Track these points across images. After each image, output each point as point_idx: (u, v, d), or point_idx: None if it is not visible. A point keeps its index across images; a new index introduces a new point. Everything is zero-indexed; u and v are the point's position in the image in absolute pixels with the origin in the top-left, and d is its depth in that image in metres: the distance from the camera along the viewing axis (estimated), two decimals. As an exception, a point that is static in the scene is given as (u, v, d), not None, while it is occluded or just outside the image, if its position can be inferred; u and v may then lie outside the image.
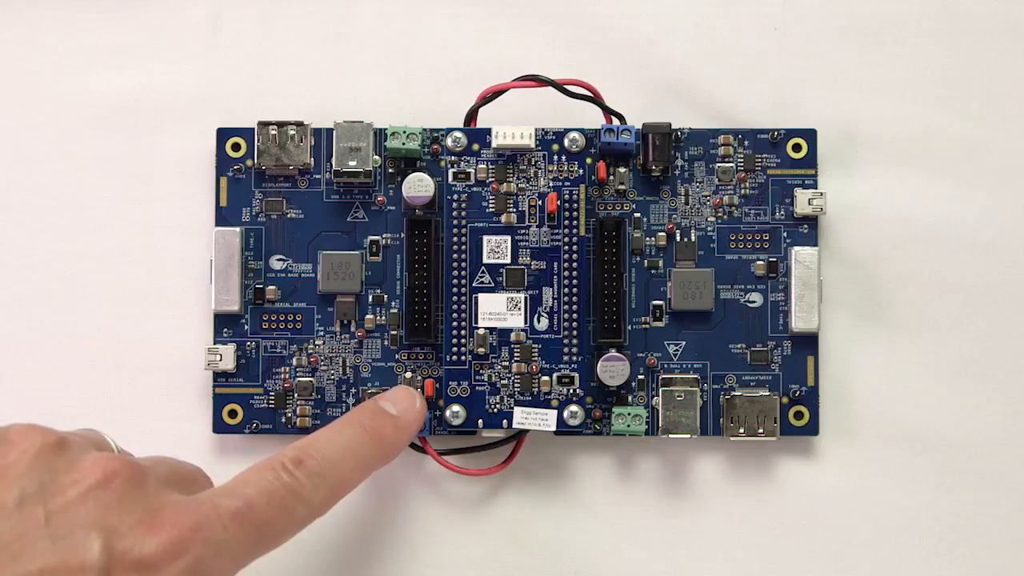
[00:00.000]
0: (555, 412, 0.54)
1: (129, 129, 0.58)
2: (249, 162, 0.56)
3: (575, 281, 0.54)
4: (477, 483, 0.56)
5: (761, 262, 0.56)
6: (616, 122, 0.55)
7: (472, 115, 0.55)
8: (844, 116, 0.57)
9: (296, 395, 0.55)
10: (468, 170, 0.55)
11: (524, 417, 0.54)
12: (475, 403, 0.54)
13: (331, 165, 0.55)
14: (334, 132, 0.55)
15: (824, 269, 0.56)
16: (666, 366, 0.55)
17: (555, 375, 0.54)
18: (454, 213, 0.54)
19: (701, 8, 0.57)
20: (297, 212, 0.56)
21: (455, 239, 0.54)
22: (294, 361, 0.56)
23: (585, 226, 0.54)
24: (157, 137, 0.57)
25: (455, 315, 0.54)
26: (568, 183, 0.54)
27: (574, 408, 0.54)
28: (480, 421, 0.54)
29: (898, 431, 0.56)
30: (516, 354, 0.54)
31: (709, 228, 0.56)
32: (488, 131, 0.54)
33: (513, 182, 0.54)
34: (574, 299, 0.54)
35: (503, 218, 0.54)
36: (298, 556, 0.55)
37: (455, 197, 0.54)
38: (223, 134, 0.56)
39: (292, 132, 0.55)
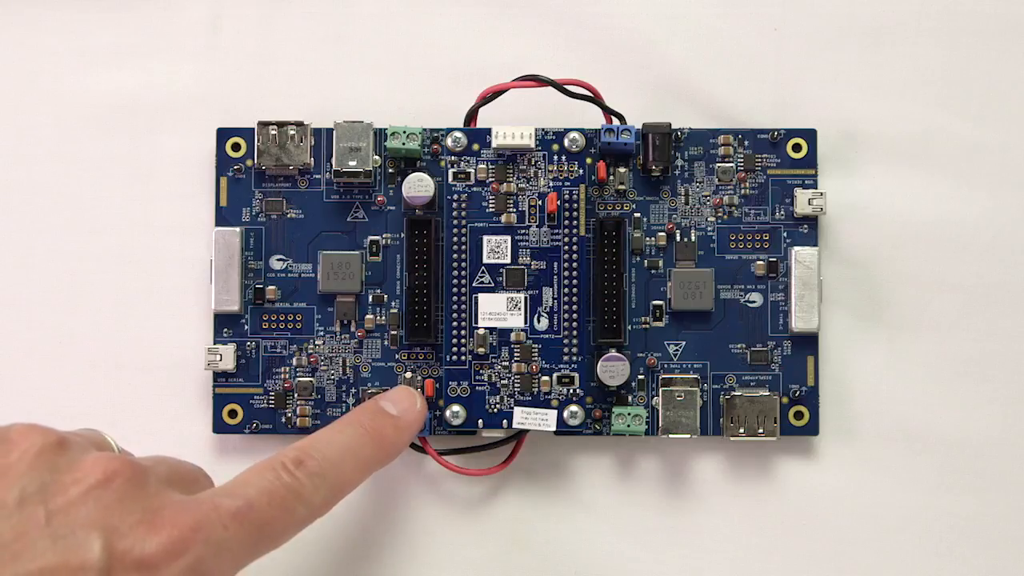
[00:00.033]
0: (555, 412, 0.54)
1: (129, 129, 0.58)
2: (249, 162, 0.56)
3: (575, 281, 0.54)
4: (477, 483, 0.56)
5: (761, 262, 0.56)
6: (616, 122, 0.55)
7: (472, 115, 0.55)
8: (844, 116, 0.57)
9: (296, 395, 0.55)
10: (468, 170, 0.55)
11: (524, 417, 0.54)
12: (475, 403, 0.54)
13: (331, 165, 0.55)
14: (334, 132, 0.55)
15: (824, 269, 0.56)
16: (666, 366, 0.55)
17: (555, 375, 0.54)
18: (454, 213, 0.54)
19: (701, 8, 0.57)
20: (297, 212, 0.56)
21: (455, 239, 0.54)
22: (294, 361, 0.56)
23: (585, 226, 0.54)
24: (157, 137, 0.57)
25: (455, 315, 0.54)
26: (568, 183, 0.54)
27: (574, 408, 0.54)
28: (480, 421, 0.54)
29: (898, 431, 0.56)
30: (516, 354, 0.54)
31: (709, 228, 0.56)
32: (488, 131, 0.54)
33: (513, 182, 0.54)
34: (574, 299, 0.54)
35: (503, 218, 0.54)
36: (298, 556, 0.55)
37: (455, 197, 0.54)
38: (223, 134, 0.56)
39: (292, 132, 0.55)
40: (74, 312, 0.57)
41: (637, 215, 0.56)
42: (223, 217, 0.56)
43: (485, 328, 0.54)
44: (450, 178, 0.54)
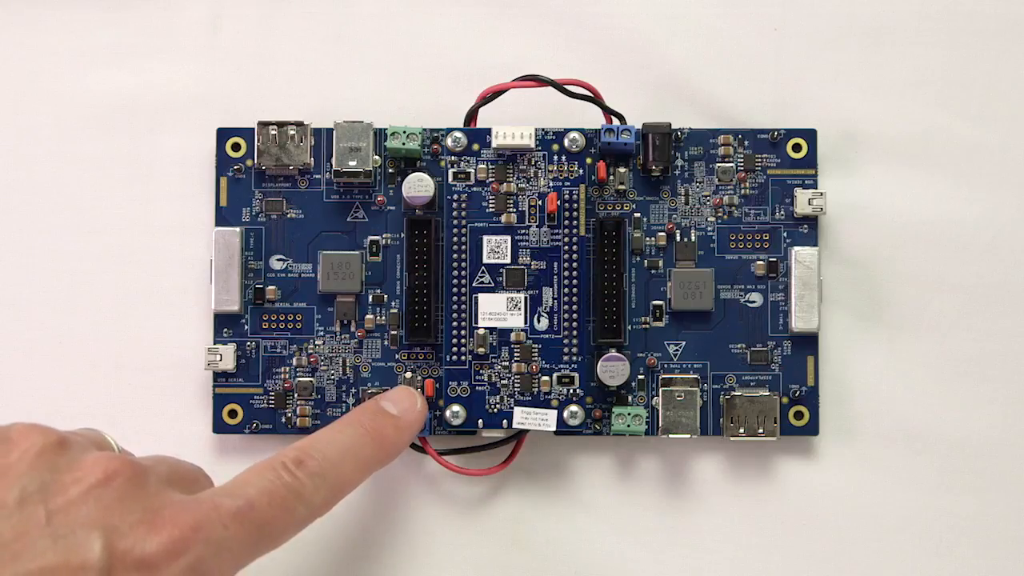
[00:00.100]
0: (555, 412, 0.54)
1: (129, 129, 0.58)
2: (249, 162, 0.56)
3: (575, 281, 0.54)
4: (477, 483, 0.56)
5: (761, 262, 0.56)
6: (616, 122, 0.55)
7: (472, 115, 0.55)
8: (844, 116, 0.57)
9: (296, 395, 0.55)
10: (468, 170, 0.55)
11: (524, 417, 0.54)
12: (475, 403, 0.54)
13: (331, 165, 0.55)
14: (334, 132, 0.55)
15: (824, 269, 0.56)
16: (666, 366, 0.55)
17: (555, 375, 0.54)
18: (454, 213, 0.54)
19: (701, 8, 0.57)
20: (297, 212, 0.56)
21: (455, 239, 0.54)
22: (294, 361, 0.56)
23: (585, 226, 0.54)
24: (157, 137, 0.57)
25: (455, 315, 0.54)
26: (568, 183, 0.54)
27: (574, 408, 0.54)
28: (480, 421, 0.54)
29: (898, 431, 0.56)
30: (516, 354, 0.54)
31: (709, 228, 0.56)
32: (488, 131, 0.54)
33: (513, 182, 0.54)
34: (574, 299, 0.54)
35: (503, 218, 0.54)
36: (298, 556, 0.55)
37: (455, 197, 0.54)
38: (223, 134, 0.56)
39: (292, 132, 0.55)
40: (74, 312, 0.57)
41: (637, 215, 0.56)
42: (223, 217, 0.56)
43: (485, 328, 0.54)
44: (450, 178, 0.54)
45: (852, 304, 0.56)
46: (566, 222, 0.54)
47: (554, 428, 0.54)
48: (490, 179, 0.54)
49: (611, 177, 0.55)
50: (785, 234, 0.56)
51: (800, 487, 0.56)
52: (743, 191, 0.56)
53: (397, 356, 0.55)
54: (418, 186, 0.54)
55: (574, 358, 0.54)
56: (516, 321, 0.54)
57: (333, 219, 0.56)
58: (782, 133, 0.56)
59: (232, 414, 0.56)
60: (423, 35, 0.58)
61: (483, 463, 0.55)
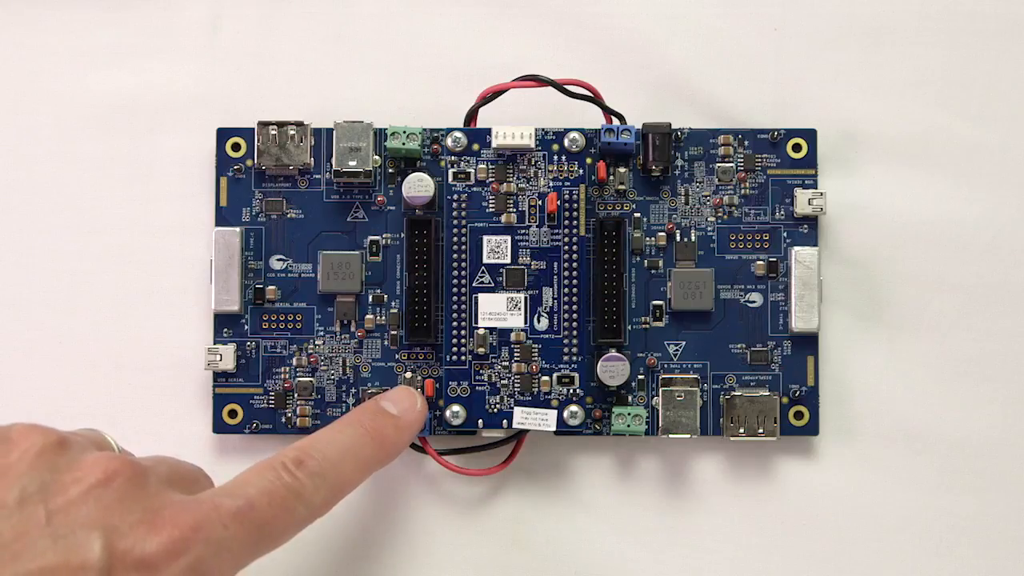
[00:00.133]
0: (555, 412, 0.54)
1: (129, 129, 0.58)
2: (249, 162, 0.56)
3: (575, 281, 0.54)
4: (477, 483, 0.56)
5: (761, 262, 0.56)
6: (616, 122, 0.55)
7: (472, 115, 0.55)
8: (844, 116, 0.57)
9: (296, 395, 0.55)
10: (468, 170, 0.55)
11: (524, 417, 0.54)
12: (475, 403, 0.54)
13: (331, 165, 0.55)
14: (334, 132, 0.55)
15: (824, 269, 0.56)
16: (666, 366, 0.55)
17: (555, 375, 0.54)
18: (454, 213, 0.54)
19: (701, 8, 0.57)
20: (297, 212, 0.56)
21: (455, 239, 0.54)
22: (294, 361, 0.56)
23: (585, 226, 0.54)
24: (157, 137, 0.57)
25: (455, 315, 0.54)
26: (568, 183, 0.54)
27: (574, 408, 0.54)
28: (480, 421, 0.54)
29: (898, 431, 0.56)
30: (516, 354, 0.54)
31: (709, 228, 0.56)
32: (488, 131, 0.54)
33: (513, 182, 0.54)
34: (574, 299, 0.54)
35: (503, 218, 0.54)
36: (298, 556, 0.55)
37: (455, 197, 0.54)
38: (223, 134, 0.56)
39: (292, 132, 0.55)
40: (74, 312, 0.57)
41: (637, 215, 0.56)
42: (223, 217, 0.56)
43: (485, 328, 0.54)
44: (450, 178, 0.54)
45: (852, 304, 0.56)
46: (566, 222, 0.54)
47: (554, 428, 0.54)
48: (490, 179, 0.54)
49: (611, 177, 0.55)
50: (785, 234, 0.56)
51: (800, 487, 0.56)
52: (743, 191, 0.56)
53: (397, 356, 0.55)
54: (418, 186, 0.54)
55: (574, 358, 0.54)
56: (516, 321, 0.54)
57: (333, 219, 0.56)
58: (782, 133, 0.56)
59: (232, 414, 0.56)
60: (423, 35, 0.58)
61: (483, 463, 0.55)
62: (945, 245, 0.56)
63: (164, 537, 0.38)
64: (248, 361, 0.56)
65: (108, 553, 0.37)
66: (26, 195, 0.57)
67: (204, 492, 0.42)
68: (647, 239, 0.56)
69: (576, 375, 0.54)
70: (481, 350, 0.54)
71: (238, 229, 0.55)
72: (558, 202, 0.54)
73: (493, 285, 0.54)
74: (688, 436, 0.54)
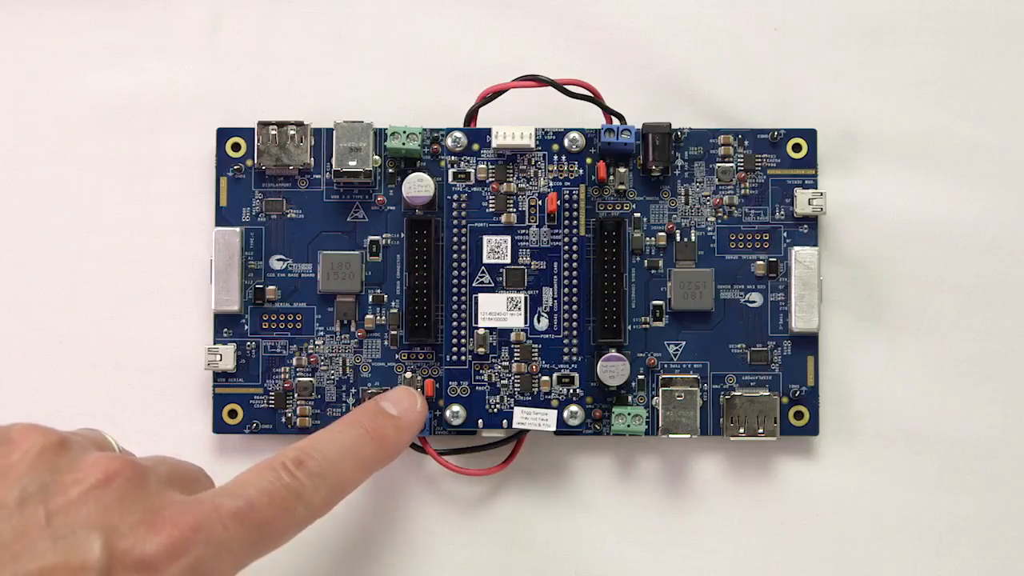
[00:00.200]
0: (555, 412, 0.54)
1: (129, 129, 0.58)
2: (249, 162, 0.56)
3: (575, 281, 0.54)
4: (477, 483, 0.56)
5: (761, 262, 0.56)
6: (616, 122, 0.55)
7: (472, 115, 0.55)
8: (844, 116, 0.57)
9: (296, 395, 0.55)
10: (468, 170, 0.55)
11: (524, 417, 0.54)
12: (475, 403, 0.54)
13: (331, 165, 0.55)
14: (334, 132, 0.55)
15: (824, 269, 0.56)
16: (666, 366, 0.55)
17: (555, 375, 0.54)
18: (454, 213, 0.54)
19: (701, 8, 0.57)
20: (297, 212, 0.56)
21: (455, 239, 0.54)
22: (294, 361, 0.56)
23: (585, 226, 0.54)
24: (157, 137, 0.57)
25: (455, 315, 0.54)
26: (568, 183, 0.54)
27: (574, 408, 0.54)
28: (480, 421, 0.54)
29: (898, 431, 0.56)
30: (516, 354, 0.54)
31: (709, 228, 0.56)
32: (488, 131, 0.54)
33: (513, 182, 0.54)
34: (574, 299, 0.54)
35: (503, 218, 0.54)
36: (298, 556, 0.55)
37: (455, 197, 0.54)
38: (223, 134, 0.56)
39: (292, 132, 0.55)
40: (74, 312, 0.57)
41: (637, 215, 0.56)
42: (223, 217, 0.56)
43: (485, 328, 0.54)
44: (450, 178, 0.54)
45: (852, 304, 0.56)
46: (566, 222, 0.54)
47: (554, 428, 0.54)
48: (490, 179, 0.54)
49: (611, 177, 0.55)
50: (785, 234, 0.56)
51: (800, 487, 0.56)
52: (743, 191, 0.56)
53: (397, 356, 0.55)
54: (418, 186, 0.54)
55: (574, 358, 0.54)
56: (516, 321, 0.54)
57: (333, 219, 0.56)
58: (782, 133, 0.56)
59: (232, 414, 0.56)
60: (423, 35, 0.58)
61: (483, 463, 0.55)
62: (945, 245, 0.56)
63: (164, 537, 0.38)
64: (248, 361, 0.56)
65: (108, 553, 0.37)
66: (26, 195, 0.57)
67: (204, 492, 0.42)
68: (647, 239, 0.56)
69: (576, 375, 0.54)
70: (481, 350, 0.54)
71: (238, 229, 0.55)
72: (558, 202, 0.54)
73: (493, 285, 0.54)
74: (688, 436, 0.54)
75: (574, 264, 0.54)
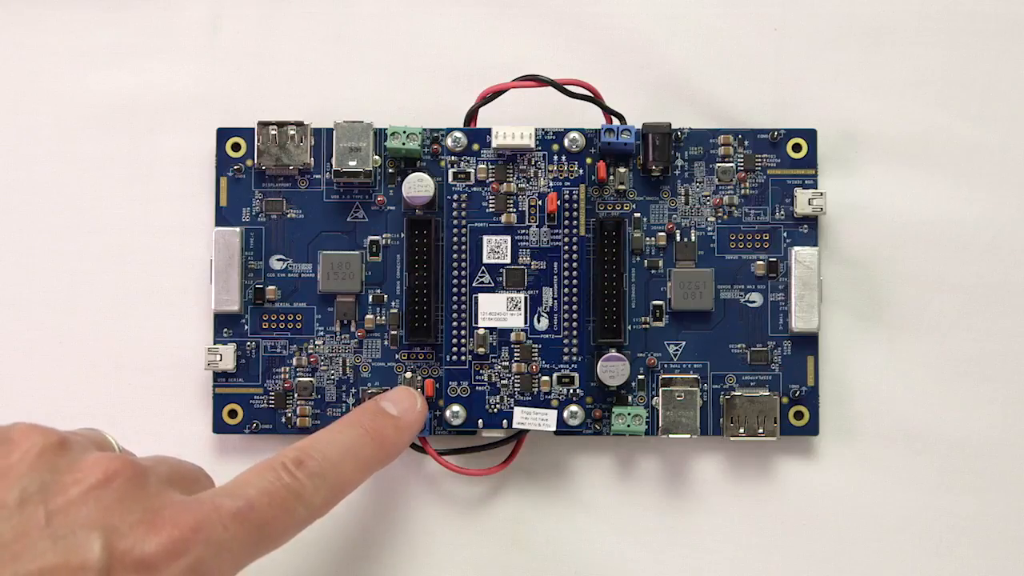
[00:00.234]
0: (555, 412, 0.54)
1: (129, 129, 0.58)
2: (249, 162, 0.56)
3: (575, 281, 0.54)
4: (477, 483, 0.56)
5: (761, 262, 0.56)
6: (616, 122, 0.55)
7: (472, 115, 0.55)
8: (844, 116, 0.57)
9: (296, 395, 0.55)
10: (468, 170, 0.55)
11: (524, 417, 0.54)
12: (475, 403, 0.54)
13: (331, 165, 0.55)
14: (334, 132, 0.55)
15: (824, 269, 0.56)
16: (666, 366, 0.55)
17: (555, 375, 0.54)
18: (454, 213, 0.54)
19: (701, 8, 0.57)
20: (297, 212, 0.56)
21: (455, 239, 0.54)
22: (294, 361, 0.56)
23: (585, 226, 0.54)
24: (157, 137, 0.57)
25: (455, 315, 0.54)
26: (568, 183, 0.54)
27: (574, 408, 0.54)
28: (480, 421, 0.54)
29: (898, 431, 0.56)
30: (516, 354, 0.54)
31: (709, 228, 0.56)
32: (488, 131, 0.54)
33: (513, 182, 0.54)
34: (574, 299, 0.54)
35: (503, 218, 0.54)
36: (298, 556, 0.55)
37: (455, 197, 0.54)
38: (223, 134, 0.56)
39: (292, 132, 0.55)
40: (74, 312, 0.57)
41: (637, 215, 0.56)
42: (223, 217, 0.56)
43: (485, 328, 0.54)
44: (450, 178, 0.54)
45: (852, 304, 0.56)
46: (566, 222, 0.54)
47: (554, 428, 0.54)
48: (490, 179, 0.54)
49: (611, 177, 0.55)
50: (785, 234, 0.56)
51: (800, 487, 0.56)
52: (743, 191, 0.56)
53: (397, 356, 0.55)
54: (418, 186, 0.54)
55: (574, 358, 0.54)
56: (516, 321, 0.54)
57: (333, 219, 0.56)
58: (782, 133, 0.56)
59: (232, 414, 0.56)
60: (423, 35, 0.58)
61: (483, 463, 0.55)
62: (945, 245, 0.56)
63: (164, 537, 0.38)
64: (248, 361, 0.56)
65: (108, 553, 0.37)
66: (26, 195, 0.57)
67: (204, 492, 0.42)
68: (647, 239, 0.56)
69: (576, 375, 0.54)
70: (481, 350, 0.54)
71: (238, 229, 0.55)
72: (558, 202, 0.54)
73: (493, 285, 0.54)
74: (688, 436, 0.54)
75: (574, 264, 0.54)
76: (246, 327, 0.56)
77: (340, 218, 0.56)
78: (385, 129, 0.55)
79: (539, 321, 0.54)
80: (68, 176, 0.57)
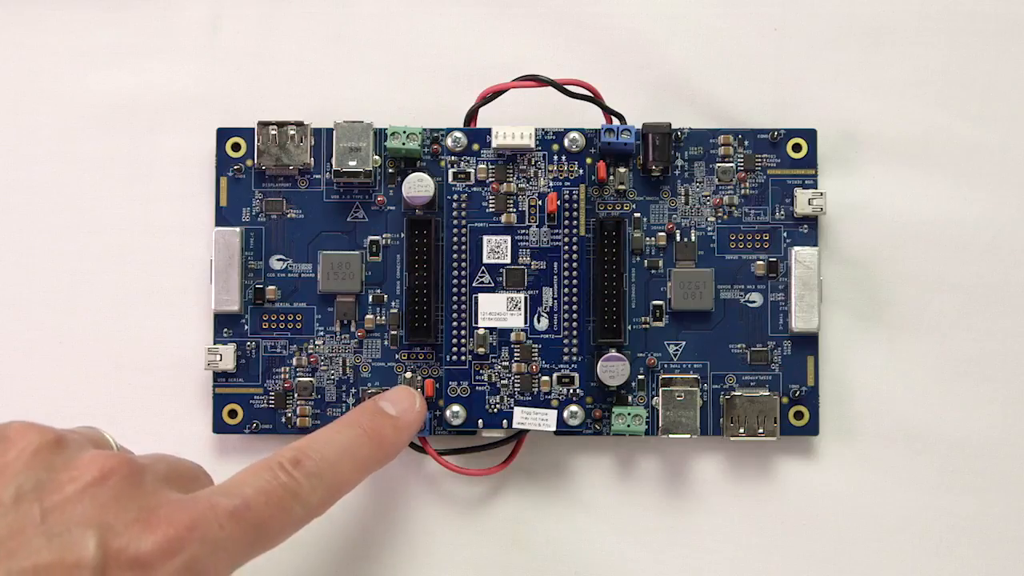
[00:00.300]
0: (555, 412, 0.54)
1: (129, 129, 0.58)
2: (249, 162, 0.56)
3: (575, 281, 0.54)
4: (477, 483, 0.56)
5: (761, 262, 0.55)
6: (616, 122, 0.55)
7: (472, 115, 0.55)
8: (844, 116, 0.57)
9: (296, 395, 0.56)
10: (468, 170, 0.55)
11: (524, 417, 0.54)
12: (475, 403, 0.54)
13: (331, 165, 0.55)
14: (334, 132, 0.55)
15: (824, 269, 0.56)
16: (666, 366, 0.55)
17: (555, 375, 0.54)
18: (454, 213, 0.54)
19: (701, 8, 0.57)
20: (297, 212, 0.56)
21: (455, 239, 0.54)
22: (294, 361, 0.56)
23: (585, 226, 0.54)
24: (157, 137, 0.58)
25: (455, 315, 0.54)
26: (568, 183, 0.54)
27: (574, 408, 0.54)
28: (480, 421, 0.54)
29: (898, 431, 0.56)
30: (516, 354, 0.54)
31: (709, 228, 0.56)
32: (488, 131, 0.54)
33: (513, 182, 0.54)
34: (574, 299, 0.54)
35: (503, 218, 0.54)
36: (298, 556, 0.56)
37: (455, 197, 0.54)
38: (223, 134, 0.56)
39: (292, 132, 0.55)
40: (74, 312, 0.57)
41: (637, 215, 0.56)
42: (223, 217, 0.56)
43: (485, 328, 0.54)
44: (450, 178, 0.54)
45: (852, 304, 0.56)
46: (566, 222, 0.54)
47: (554, 428, 0.54)
48: (490, 179, 0.54)
49: (611, 177, 0.55)
50: (785, 234, 0.56)
51: (800, 487, 0.56)
52: (743, 191, 0.56)
53: (397, 356, 0.56)
54: (418, 186, 0.54)
55: (574, 358, 0.54)
56: (516, 321, 0.54)
57: (333, 219, 0.56)
58: (782, 133, 0.56)
59: (232, 414, 0.56)
60: (423, 35, 0.58)
61: (483, 463, 0.55)
62: (945, 245, 0.56)
63: (159, 536, 0.38)
64: (248, 361, 0.56)
65: (103, 551, 0.37)
66: (26, 195, 0.57)
67: (200, 491, 0.42)
68: (647, 239, 0.56)
69: (576, 375, 0.54)
70: (481, 350, 0.54)
71: (238, 229, 0.55)
72: (558, 202, 0.54)
73: (493, 285, 0.54)
74: (688, 436, 0.54)
75: (574, 264, 0.54)
76: (246, 327, 0.56)
77: (340, 218, 0.56)
78: (385, 129, 0.55)
79: (539, 321, 0.54)
80: (68, 176, 0.57)
